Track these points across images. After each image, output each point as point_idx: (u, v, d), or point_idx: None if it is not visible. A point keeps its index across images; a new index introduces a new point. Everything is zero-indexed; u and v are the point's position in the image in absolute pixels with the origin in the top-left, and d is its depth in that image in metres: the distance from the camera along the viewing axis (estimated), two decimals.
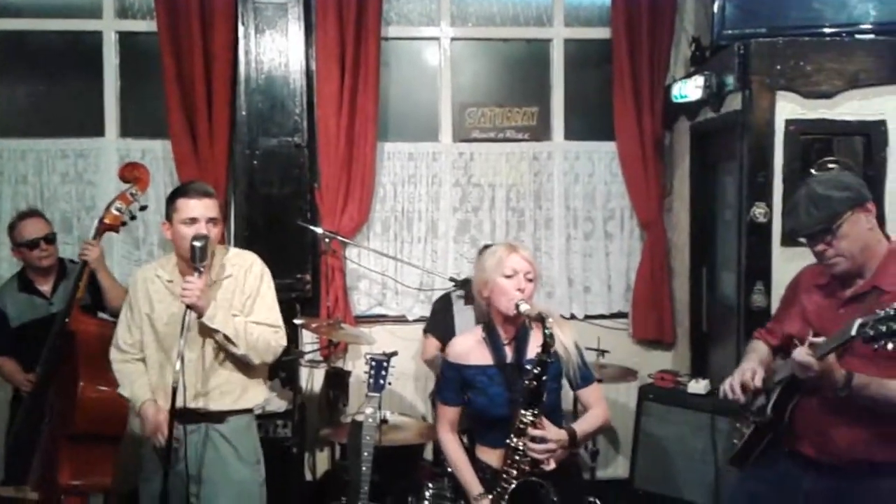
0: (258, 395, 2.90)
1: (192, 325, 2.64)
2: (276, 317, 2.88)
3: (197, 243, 2.63)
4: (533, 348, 2.46)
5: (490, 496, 2.42)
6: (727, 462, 2.57)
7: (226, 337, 2.69)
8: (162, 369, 2.78)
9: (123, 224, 3.47)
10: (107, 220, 3.42)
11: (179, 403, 2.57)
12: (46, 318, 3.50)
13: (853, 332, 2.00)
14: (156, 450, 2.76)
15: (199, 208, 2.73)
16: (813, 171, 3.47)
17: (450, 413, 2.62)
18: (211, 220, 2.74)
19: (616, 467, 4.76)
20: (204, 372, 2.76)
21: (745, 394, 2.38)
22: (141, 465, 2.90)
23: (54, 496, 3.14)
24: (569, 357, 2.50)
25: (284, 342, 2.89)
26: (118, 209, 3.43)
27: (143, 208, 3.54)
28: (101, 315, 3.59)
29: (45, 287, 3.63)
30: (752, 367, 2.43)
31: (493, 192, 4.83)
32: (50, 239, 3.62)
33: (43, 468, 3.25)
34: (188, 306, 2.60)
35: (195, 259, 2.62)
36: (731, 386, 2.40)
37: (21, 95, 4.63)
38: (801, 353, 2.16)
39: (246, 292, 2.82)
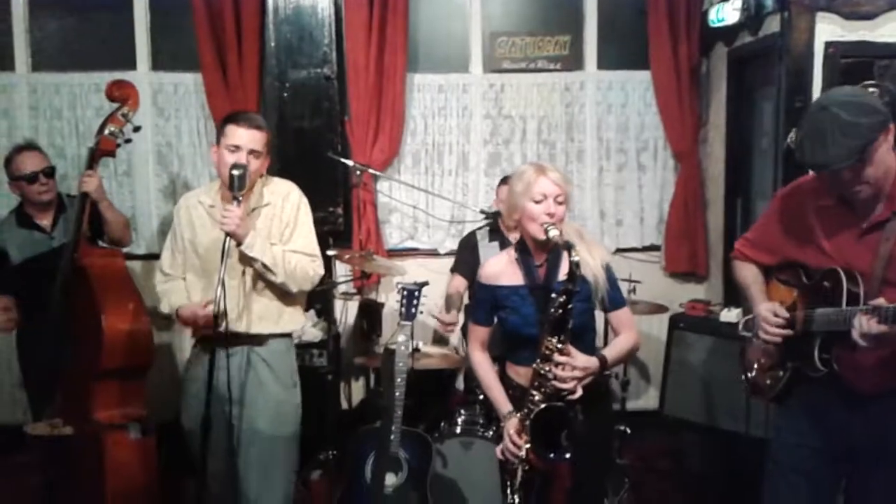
0: (296, 320, 2.95)
1: (231, 252, 2.68)
2: (314, 245, 2.91)
3: (235, 171, 2.65)
4: (565, 270, 2.46)
5: (518, 414, 2.46)
6: (768, 401, 2.51)
7: (264, 265, 2.74)
8: (204, 293, 2.83)
9: (118, 146, 3.32)
10: (100, 146, 3.27)
11: (221, 328, 2.64)
12: (48, 253, 3.43)
13: None
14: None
15: (245, 137, 2.75)
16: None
17: (480, 333, 2.65)
18: (253, 152, 2.76)
19: (647, 399, 4.80)
20: (244, 297, 2.81)
21: (785, 331, 2.30)
22: (186, 383, 2.97)
23: (91, 430, 3.15)
24: (597, 281, 2.47)
25: (322, 271, 2.93)
26: (112, 133, 3.27)
27: (136, 129, 3.36)
28: (102, 244, 3.53)
29: (45, 221, 3.51)
30: (770, 307, 2.34)
31: (525, 124, 4.79)
32: (48, 173, 3.49)
33: (73, 404, 3.22)
34: (227, 234, 2.64)
35: (233, 187, 2.65)
36: (770, 334, 2.32)
37: (54, 31, 4.64)
38: (868, 324, 2.03)
39: (284, 221, 2.85)
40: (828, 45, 3.40)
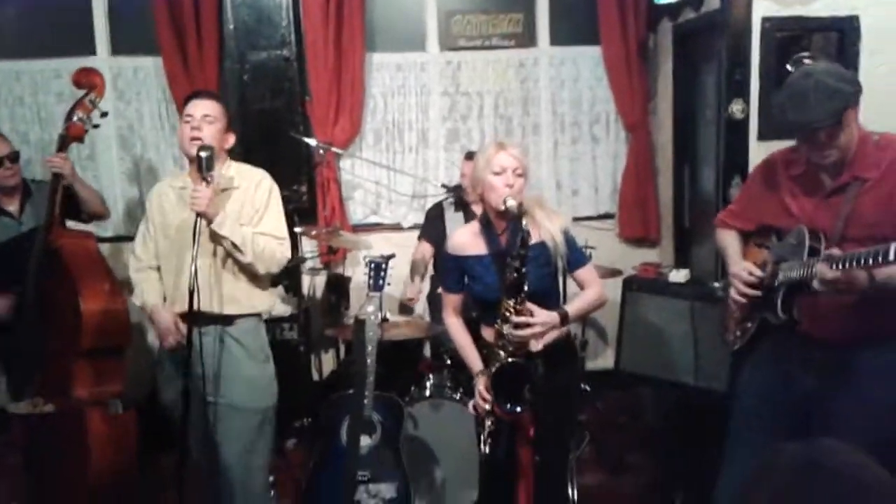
0: (264, 301, 3.08)
1: (202, 232, 2.78)
2: (283, 229, 3.03)
3: (203, 153, 2.76)
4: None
5: (487, 371, 2.66)
6: (736, 350, 2.72)
7: (233, 244, 2.85)
8: (177, 275, 2.94)
9: (86, 132, 3.40)
10: (70, 132, 3.35)
11: (194, 307, 2.75)
12: (17, 239, 3.49)
13: (891, 257, 2.03)
14: (171, 352, 2.95)
15: (197, 107, 2.87)
16: (789, 66, 3.59)
17: (453, 299, 2.85)
18: (206, 117, 2.87)
19: (605, 359, 5.02)
20: (215, 277, 2.92)
21: (753, 291, 2.49)
22: (162, 363, 3.09)
23: (72, 407, 3.23)
24: (556, 244, 2.65)
25: (289, 254, 3.06)
26: (80, 118, 3.35)
27: (104, 115, 3.44)
28: (71, 224, 3.60)
29: (12, 207, 3.57)
30: (745, 266, 2.53)
31: (482, 100, 4.94)
32: (13, 158, 3.55)
33: (53, 383, 3.29)
34: (198, 214, 2.75)
35: (201, 168, 2.76)
36: (740, 293, 2.50)
37: (11, 17, 4.65)
38: (827, 271, 2.20)
39: (255, 206, 2.96)
40: (765, 20, 3.58)
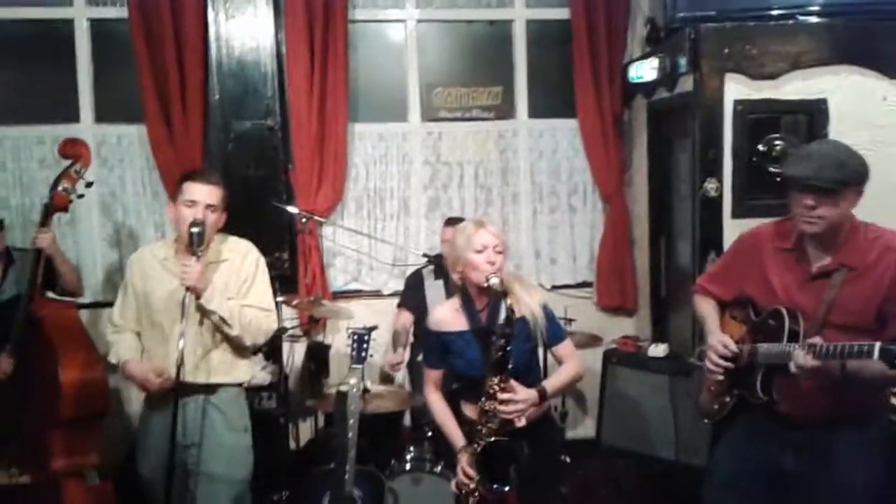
0: (247, 371, 3.11)
1: (189, 305, 2.80)
2: (269, 301, 3.07)
3: (194, 229, 2.80)
4: (505, 314, 2.69)
5: (469, 448, 2.66)
6: (714, 424, 2.76)
7: (221, 318, 2.87)
8: (161, 345, 2.95)
9: (71, 202, 3.43)
10: (54, 202, 3.39)
11: (181, 378, 2.77)
12: None
13: (876, 356, 2.11)
14: (160, 394, 2.91)
15: (201, 193, 2.90)
16: (760, 147, 3.72)
17: (434, 375, 2.87)
18: (210, 207, 2.91)
19: (585, 428, 5.02)
20: (202, 349, 2.94)
21: (727, 364, 2.55)
22: (143, 434, 3.06)
23: (49, 478, 3.22)
24: (535, 320, 2.70)
25: (275, 325, 3.09)
26: (65, 189, 3.39)
27: (88, 185, 3.49)
28: (51, 294, 3.60)
29: None
30: (722, 339, 2.57)
31: (462, 169, 5.02)
32: None
33: (30, 453, 3.28)
34: (187, 288, 2.76)
35: (192, 244, 2.79)
36: (715, 364, 2.56)
37: None
38: (804, 359, 2.28)
39: (242, 277, 3.00)
40: (737, 102, 3.72)
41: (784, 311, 2.44)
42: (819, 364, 2.26)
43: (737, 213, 3.70)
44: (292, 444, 4.72)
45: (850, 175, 2.33)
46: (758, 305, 2.59)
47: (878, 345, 2.12)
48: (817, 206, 2.34)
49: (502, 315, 2.67)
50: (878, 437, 2.52)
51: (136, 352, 3.00)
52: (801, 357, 2.30)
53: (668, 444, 3.73)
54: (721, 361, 2.55)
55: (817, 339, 2.30)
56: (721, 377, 2.59)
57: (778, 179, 3.27)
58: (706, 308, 2.77)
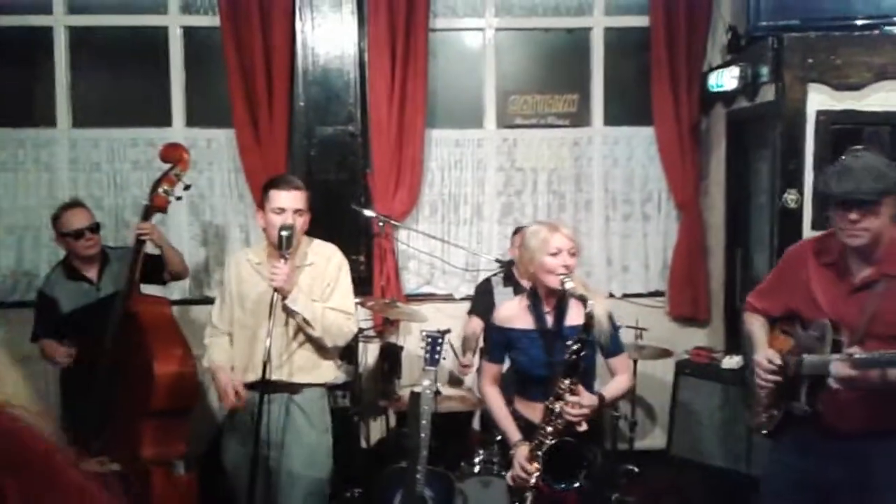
0: (330, 372, 3.22)
1: (276, 305, 2.93)
2: (350, 305, 3.18)
3: (284, 233, 2.93)
4: (571, 318, 2.74)
5: (528, 443, 2.70)
6: (764, 435, 2.77)
7: (305, 319, 2.99)
8: (249, 344, 3.09)
9: (169, 203, 3.57)
10: (154, 203, 3.52)
11: (267, 376, 2.90)
12: (94, 304, 3.63)
13: None
14: (231, 412, 3.07)
15: (288, 199, 3.02)
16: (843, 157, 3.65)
17: (492, 369, 2.93)
18: (297, 211, 3.04)
19: (654, 438, 5.00)
20: (286, 348, 3.07)
21: (774, 377, 2.55)
22: (229, 430, 3.22)
23: (138, 467, 3.35)
24: (601, 329, 2.72)
25: (356, 328, 3.20)
26: (165, 191, 3.51)
27: (187, 188, 3.64)
28: (146, 288, 3.75)
29: (91, 273, 3.72)
30: (767, 354, 2.59)
31: (536, 176, 5.06)
32: (94, 228, 3.70)
33: (120, 442, 3.40)
34: (275, 289, 2.90)
35: (282, 246, 2.92)
36: (763, 379, 2.57)
37: (94, 88, 4.94)
38: (840, 368, 2.31)
39: (326, 280, 3.12)
40: (819, 113, 3.68)
41: (828, 323, 2.44)
42: (856, 374, 2.27)
43: (817, 225, 3.64)
44: (364, 443, 4.84)
45: (889, 184, 2.35)
46: (805, 319, 2.59)
47: None
48: (861, 220, 2.36)
49: (569, 318, 2.74)
50: None
51: (228, 357, 3.14)
52: (837, 367, 2.32)
53: (740, 458, 3.70)
54: (769, 376, 2.56)
55: (855, 349, 2.32)
56: (770, 390, 2.60)
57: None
58: (754, 325, 2.78)
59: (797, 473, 2.62)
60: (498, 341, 2.91)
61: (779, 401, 2.62)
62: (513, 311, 2.88)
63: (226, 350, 3.16)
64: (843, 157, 2.50)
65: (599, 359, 2.88)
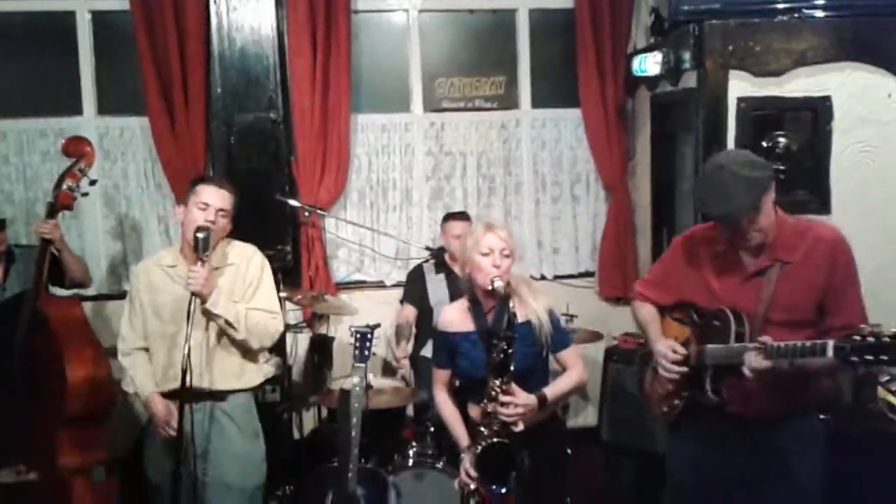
0: (257, 376, 3.12)
1: (195, 310, 2.82)
2: (275, 304, 3.09)
3: (200, 234, 2.82)
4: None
5: (472, 448, 2.70)
6: (666, 428, 2.81)
7: (227, 322, 2.89)
8: (168, 352, 2.97)
9: (75, 199, 3.44)
10: (59, 201, 3.39)
11: (186, 384, 2.78)
12: (1, 304, 3.49)
13: (830, 354, 2.17)
14: (164, 441, 2.96)
15: (215, 196, 2.93)
16: (764, 144, 3.71)
17: (442, 375, 2.92)
18: (221, 211, 2.93)
19: (586, 416, 5.09)
20: (208, 354, 2.96)
21: (681, 368, 2.59)
22: (150, 440, 3.11)
23: (56, 475, 3.25)
24: (541, 324, 2.73)
25: (282, 327, 3.11)
26: (69, 187, 3.40)
27: (93, 183, 3.51)
28: (57, 291, 3.63)
29: None
30: (669, 344, 2.62)
31: (465, 159, 5.02)
32: (0, 226, 3.55)
33: (36, 451, 3.30)
34: (193, 293, 2.79)
35: (198, 248, 2.81)
36: (669, 370, 2.59)
37: None
38: (756, 360, 2.33)
39: (247, 281, 3.02)
40: (740, 99, 3.70)
41: (728, 312, 2.47)
42: (771, 364, 2.31)
43: None
44: (296, 434, 4.77)
45: (762, 186, 2.37)
46: (700, 308, 2.62)
47: (830, 343, 2.18)
48: (749, 226, 2.39)
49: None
50: (819, 427, 2.62)
51: (153, 380, 3.01)
52: (752, 359, 2.34)
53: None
54: (674, 367, 2.59)
55: (767, 339, 2.34)
56: (677, 381, 2.63)
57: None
58: (646, 314, 2.80)
59: (701, 461, 2.64)
60: (442, 346, 2.89)
61: (678, 391, 2.65)
62: (454, 315, 2.86)
63: (148, 372, 3.03)
64: (707, 169, 2.49)
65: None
